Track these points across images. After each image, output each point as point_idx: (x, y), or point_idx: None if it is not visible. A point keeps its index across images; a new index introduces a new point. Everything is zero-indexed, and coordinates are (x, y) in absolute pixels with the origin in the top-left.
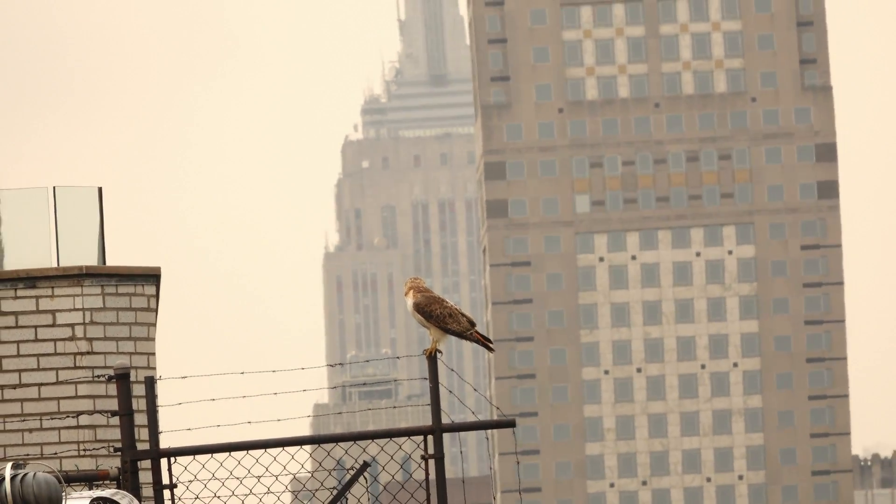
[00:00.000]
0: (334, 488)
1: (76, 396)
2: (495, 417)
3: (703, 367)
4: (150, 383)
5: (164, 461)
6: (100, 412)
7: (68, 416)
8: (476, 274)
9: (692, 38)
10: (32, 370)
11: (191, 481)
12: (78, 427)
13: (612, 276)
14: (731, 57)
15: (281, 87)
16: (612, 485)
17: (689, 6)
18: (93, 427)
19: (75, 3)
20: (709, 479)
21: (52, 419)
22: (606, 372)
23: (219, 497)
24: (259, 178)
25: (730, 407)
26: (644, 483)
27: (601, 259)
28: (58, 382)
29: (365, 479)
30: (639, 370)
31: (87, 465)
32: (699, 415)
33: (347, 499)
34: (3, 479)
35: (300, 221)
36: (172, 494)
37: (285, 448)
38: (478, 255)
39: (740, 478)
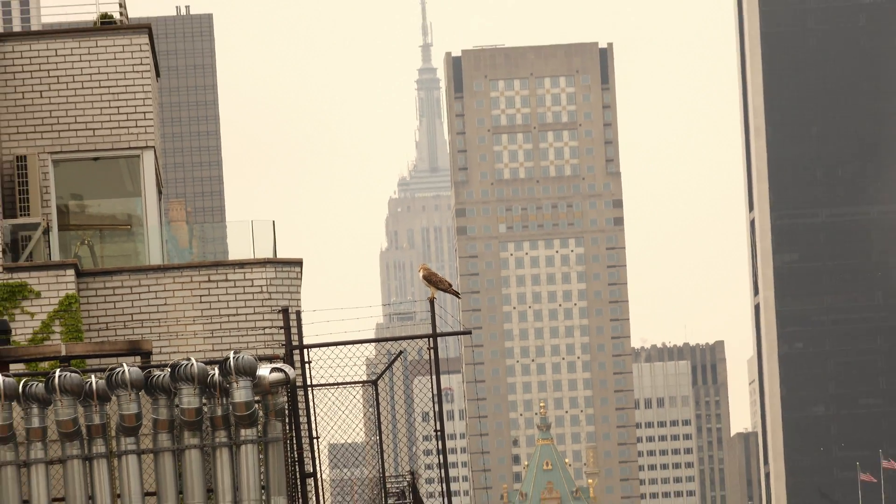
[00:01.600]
0: (387, 363)
1: (264, 319)
2: (461, 329)
3: (560, 305)
4: (298, 315)
5: (305, 351)
6: (274, 326)
7: (260, 328)
8: (452, 261)
9: (554, 150)
10: (243, 308)
11: (319, 359)
12: (264, 333)
13: (516, 263)
14: (573, 158)
15: (356, 174)
16: (517, 361)
17: (553, 135)
18: (271, 333)
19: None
20: (563, 358)
21: (254, 328)
22: (514, 307)
23: (331, 367)
24: (345, 222)
25: (573, 325)
26: (533, 360)
27: (511, 254)
28: (255, 313)
29: (401, 360)
30: (530, 307)
31: (269, 352)
32: (559, 328)
33: (393, 369)
34: (229, 357)
35: (368, 240)
36: (310, 368)
37: (362, 344)
38: (452, 253)
39: (578, 358)
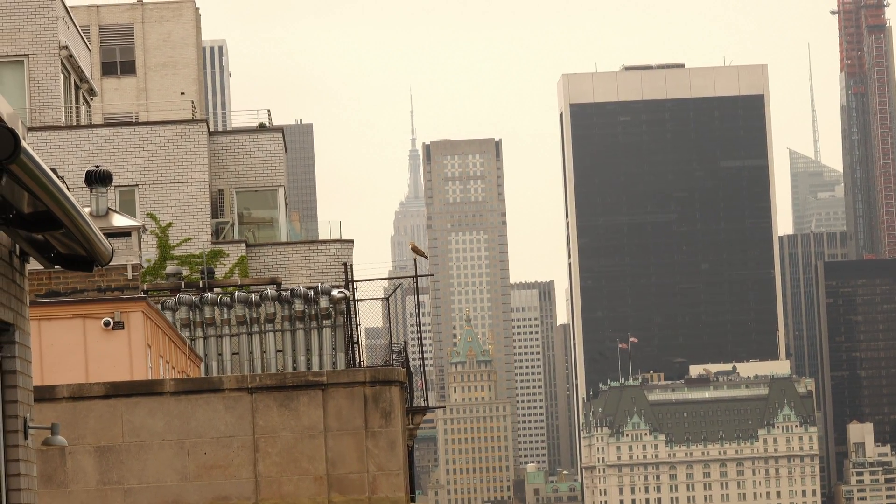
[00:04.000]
0: (393, 289)
1: (335, 267)
2: (429, 272)
3: (474, 263)
4: (351, 266)
5: (353, 283)
6: (340, 271)
7: (333, 272)
8: (425, 241)
9: (473, 189)
10: (325, 262)
11: (361, 287)
12: (335, 274)
13: (454, 242)
14: (483, 193)
15: (380, 202)
16: (455, 289)
17: (472, 182)
18: (339, 274)
19: None
20: (477, 287)
21: (331, 272)
22: (454, 264)
23: (367, 291)
24: (373, 222)
25: (482, 272)
26: (463, 288)
27: (451, 238)
28: (331, 264)
29: (401, 287)
30: (462, 264)
31: (337, 284)
32: (475, 273)
33: (396, 293)
34: (319, 286)
35: (383, 231)
36: (355, 291)
37: (380, 280)
38: (425, 238)
39: (484, 287)
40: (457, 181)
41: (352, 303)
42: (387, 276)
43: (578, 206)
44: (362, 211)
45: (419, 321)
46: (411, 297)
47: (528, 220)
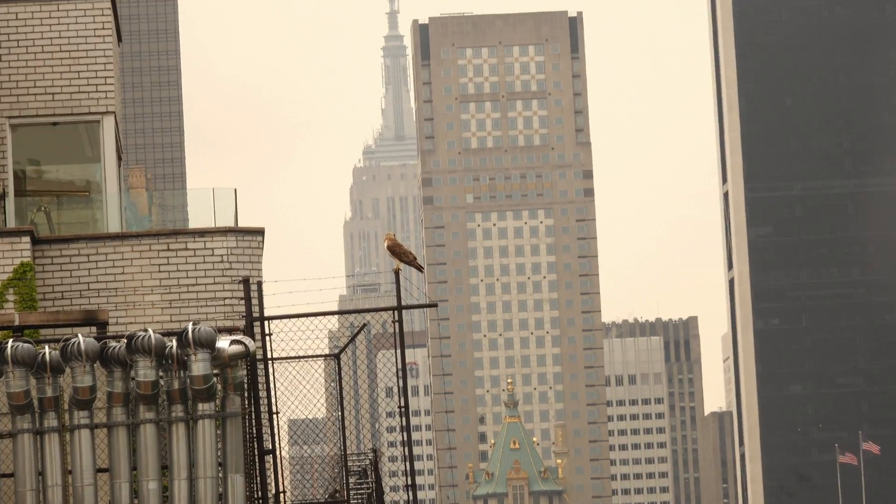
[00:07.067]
0: (350, 336)
1: (224, 290)
2: (427, 301)
3: (528, 278)
4: (259, 285)
5: (266, 323)
6: (234, 297)
7: (220, 299)
8: (418, 231)
9: (523, 119)
10: (202, 278)
11: (279, 332)
12: (224, 304)
13: (483, 234)
14: (542, 128)
15: (321, 142)
16: (484, 336)
17: (522, 104)
18: (231, 304)
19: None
20: (531, 333)
21: (213, 299)
22: (481, 280)
23: (293, 340)
24: (308, 191)
25: (542, 298)
26: (500, 335)
27: (478, 225)
28: (214, 283)
29: (365, 333)
30: (498, 279)
31: (228, 324)
32: (528, 301)
33: (356, 342)
34: (188, 329)
35: (332, 209)
36: (270, 340)
37: (325, 316)
38: (418, 223)
39: (547, 333)
40: (485, 101)
41: (261, 365)
42: (336, 307)
43: (748, 157)
44: (283, 167)
45: (406, 403)
46: (387, 352)
47: (637, 184)
